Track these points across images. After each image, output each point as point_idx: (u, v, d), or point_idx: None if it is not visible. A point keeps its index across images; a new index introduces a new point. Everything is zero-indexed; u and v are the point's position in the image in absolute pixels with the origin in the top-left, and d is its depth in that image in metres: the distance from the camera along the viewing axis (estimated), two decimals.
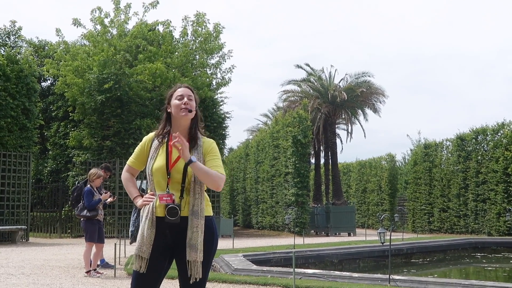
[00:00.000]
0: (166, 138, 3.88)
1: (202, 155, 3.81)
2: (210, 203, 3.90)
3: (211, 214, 3.86)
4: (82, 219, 10.58)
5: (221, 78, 27.95)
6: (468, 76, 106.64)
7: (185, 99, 3.84)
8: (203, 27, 26.95)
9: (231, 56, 27.82)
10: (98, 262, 10.89)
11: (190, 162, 3.64)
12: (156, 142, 3.90)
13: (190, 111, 3.82)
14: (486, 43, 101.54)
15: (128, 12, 26.34)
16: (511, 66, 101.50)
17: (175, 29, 27.37)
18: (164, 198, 3.71)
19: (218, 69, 27.82)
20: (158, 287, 3.84)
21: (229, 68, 27.98)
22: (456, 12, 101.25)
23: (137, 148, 4.03)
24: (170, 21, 27.16)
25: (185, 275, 3.76)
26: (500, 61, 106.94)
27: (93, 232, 10.46)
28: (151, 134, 3.99)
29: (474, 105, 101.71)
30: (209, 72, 27.40)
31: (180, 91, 3.89)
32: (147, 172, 3.83)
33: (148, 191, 3.85)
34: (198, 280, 3.67)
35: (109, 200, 10.74)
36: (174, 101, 3.86)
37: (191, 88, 3.95)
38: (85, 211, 10.38)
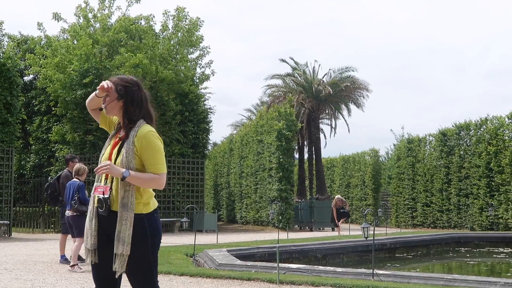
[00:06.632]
0: (116, 132, 3.96)
1: (133, 145, 3.73)
2: (149, 199, 3.81)
3: (146, 212, 3.75)
4: (73, 213, 10.44)
5: (201, 73, 27.80)
6: (449, 70, 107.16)
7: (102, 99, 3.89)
8: (184, 20, 26.74)
9: (209, 51, 27.62)
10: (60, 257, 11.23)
11: (124, 178, 3.64)
12: (112, 132, 3.99)
13: (100, 109, 3.96)
14: (467, 38, 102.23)
15: (112, 5, 26.08)
16: (491, 61, 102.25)
17: (155, 24, 27.11)
18: (98, 189, 3.77)
19: (198, 64, 27.62)
20: (116, 278, 3.77)
21: (208, 62, 27.82)
22: (438, 6, 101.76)
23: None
24: (154, 16, 26.91)
25: (129, 270, 3.72)
26: (481, 56, 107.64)
27: (83, 227, 10.37)
28: (117, 121, 4.03)
29: (455, 100, 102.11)
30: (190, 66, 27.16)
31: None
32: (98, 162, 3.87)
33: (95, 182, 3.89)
34: (119, 274, 3.67)
35: None
36: None
37: (112, 81, 3.94)
38: (83, 205, 10.24)
